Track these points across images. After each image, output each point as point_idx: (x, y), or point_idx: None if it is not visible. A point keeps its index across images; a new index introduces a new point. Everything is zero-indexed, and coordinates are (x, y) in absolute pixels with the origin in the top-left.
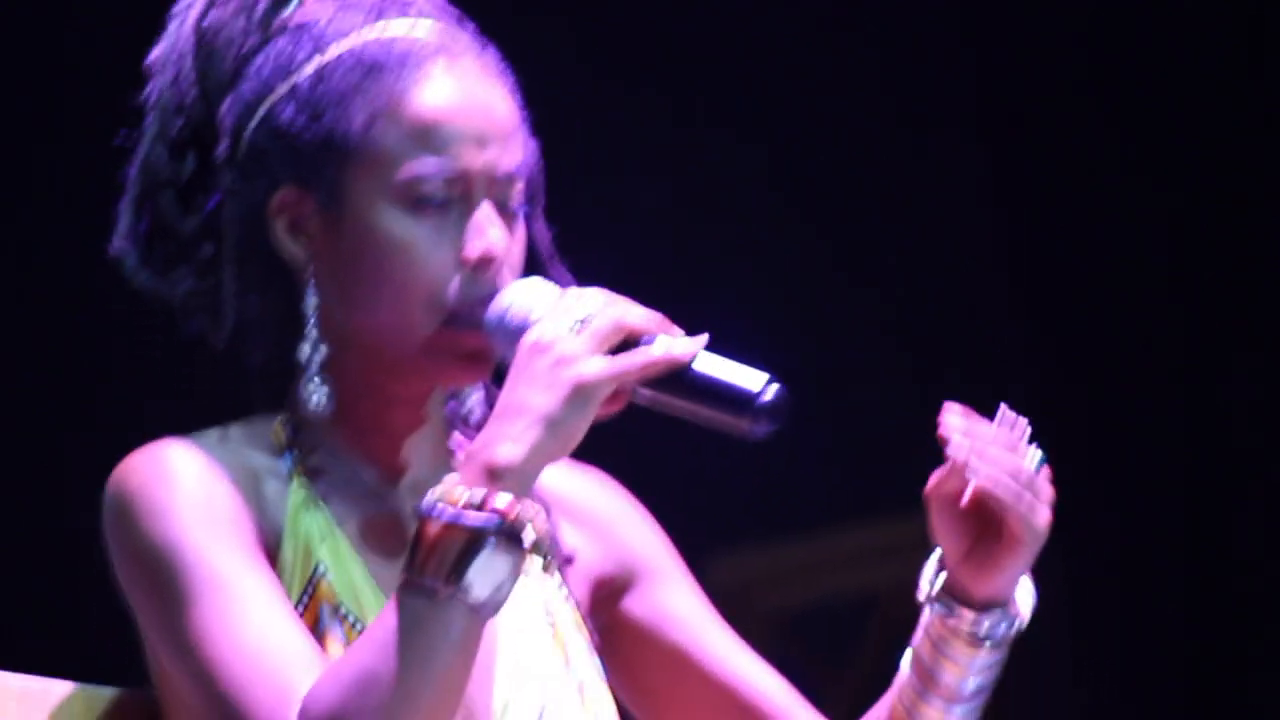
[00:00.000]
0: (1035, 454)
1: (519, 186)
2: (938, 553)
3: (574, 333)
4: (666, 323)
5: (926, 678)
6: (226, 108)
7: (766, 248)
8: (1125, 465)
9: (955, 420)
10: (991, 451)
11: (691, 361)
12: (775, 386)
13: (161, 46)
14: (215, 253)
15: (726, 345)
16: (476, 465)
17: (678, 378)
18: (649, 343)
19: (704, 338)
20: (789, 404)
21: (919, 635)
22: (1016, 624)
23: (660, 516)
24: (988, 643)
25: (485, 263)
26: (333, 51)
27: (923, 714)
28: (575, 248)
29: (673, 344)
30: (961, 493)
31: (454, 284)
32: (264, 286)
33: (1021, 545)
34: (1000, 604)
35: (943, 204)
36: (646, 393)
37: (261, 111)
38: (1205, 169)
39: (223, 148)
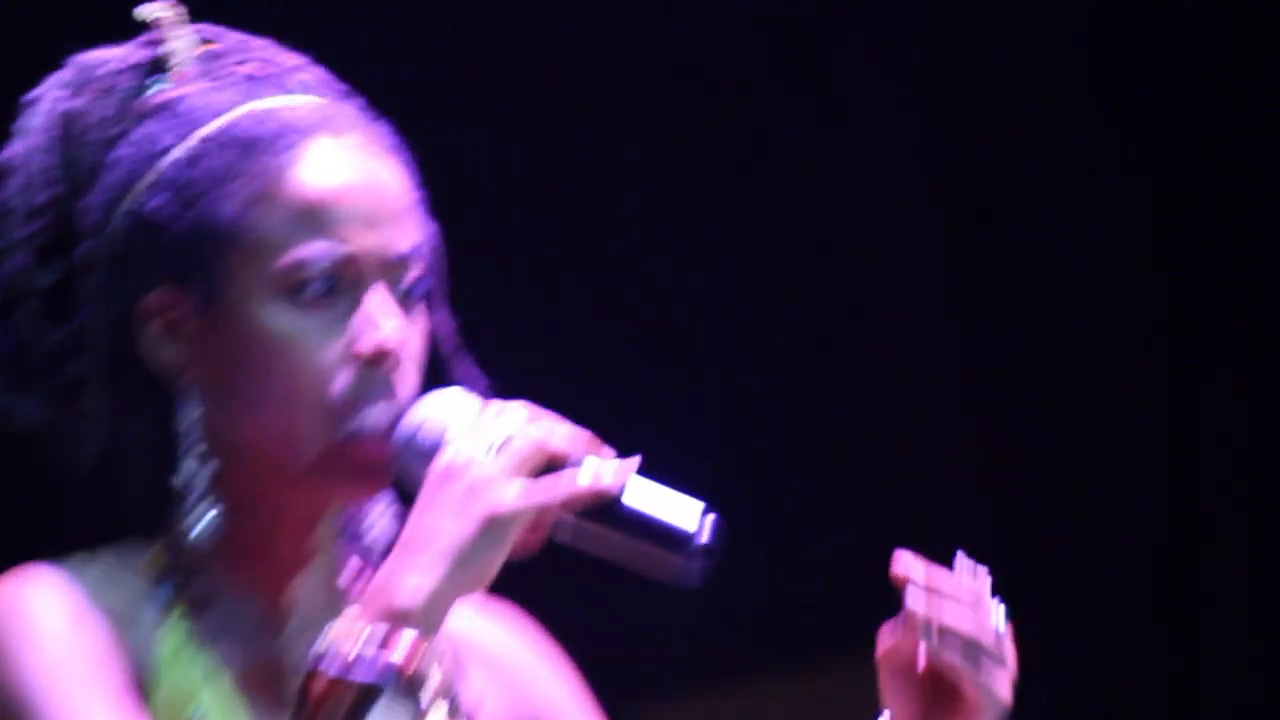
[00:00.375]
0: (998, 610)
1: (417, 270)
2: (886, 715)
3: (491, 456)
4: (595, 443)
5: None
6: (90, 203)
7: (702, 357)
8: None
9: (912, 569)
10: (950, 609)
11: (620, 493)
12: (710, 520)
13: (18, 142)
14: (82, 371)
15: (657, 464)
16: (376, 605)
17: (605, 508)
18: (576, 466)
19: (635, 461)
20: (724, 538)
21: None
22: None
23: (577, 661)
24: None
25: (380, 356)
26: (203, 132)
27: None
28: (487, 349)
29: (601, 470)
30: (915, 654)
31: (343, 382)
32: (138, 402)
33: (981, 716)
34: None
35: (896, 309)
36: (570, 522)
37: (127, 204)
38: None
39: (85, 248)
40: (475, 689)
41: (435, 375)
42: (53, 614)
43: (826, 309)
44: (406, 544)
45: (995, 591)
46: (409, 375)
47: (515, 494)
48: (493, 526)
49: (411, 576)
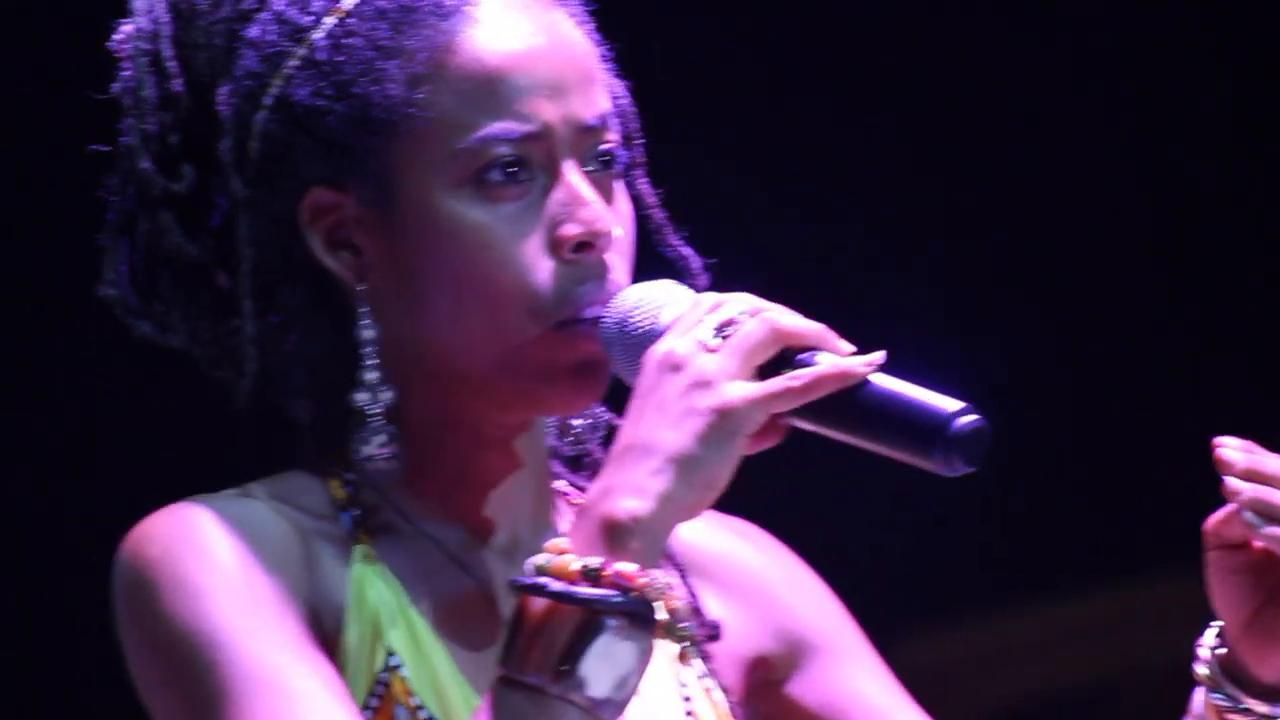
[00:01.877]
0: None
1: (612, 140)
2: (1216, 625)
3: (714, 346)
4: (831, 336)
5: None
6: (224, 94)
7: (945, 242)
8: None
9: (1234, 453)
10: (1277, 491)
11: (865, 384)
12: (973, 416)
13: (130, 24)
14: (233, 283)
15: (904, 370)
16: (591, 523)
17: (848, 404)
18: (809, 361)
19: (879, 356)
20: (988, 438)
21: None
22: None
23: (833, 582)
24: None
25: (587, 243)
26: (348, 2)
27: None
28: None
29: (843, 360)
30: (1244, 544)
31: (550, 275)
32: (302, 320)
33: None
34: None
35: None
36: (807, 425)
37: (272, 93)
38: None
39: (226, 147)
40: (714, 613)
41: (644, 259)
42: (226, 542)
43: None
44: (626, 448)
45: None
46: (620, 259)
47: (746, 390)
48: (720, 428)
49: (634, 485)
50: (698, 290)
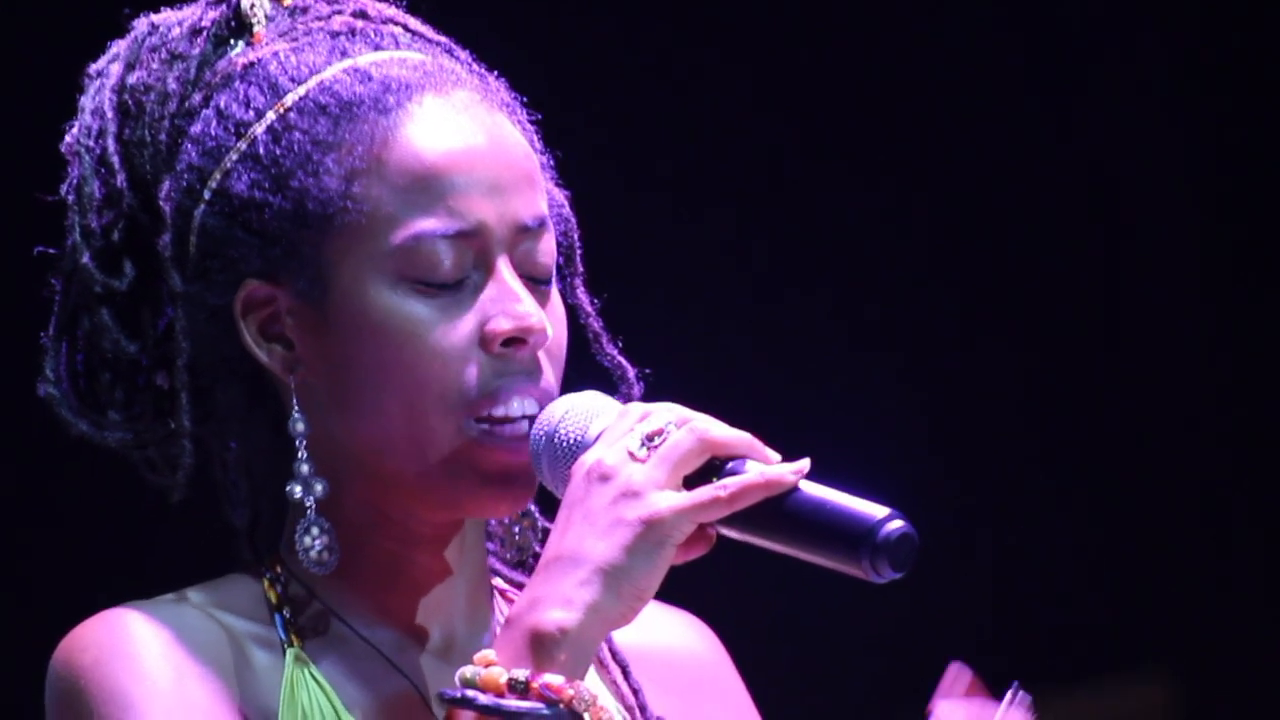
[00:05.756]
0: None
1: (548, 243)
2: None
3: (642, 456)
4: (759, 445)
5: None
6: (166, 189)
7: (869, 352)
8: None
9: (949, 711)
10: None
11: (792, 492)
12: (899, 522)
13: (80, 122)
14: (171, 382)
15: (832, 475)
16: (519, 634)
17: (775, 513)
18: (738, 470)
19: (804, 464)
20: (915, 544)
21: None
22: None
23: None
24: None
25: (518, 339)
26: (291, 99)
27: None
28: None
29: (771, 469)
30: None
31: (475, 368)
32: (237, 414)
33: None
34: None
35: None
36: (735, 533)
37: (211, 186)
38: None
39: (165, 242)
40: (657, 708)
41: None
42: (157, 650)
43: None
44: (553, 559)
45: None
46: (550, 360)
47: (673, 500)
48: (648, 538)
49: (561, 596)
50: (631, 399)
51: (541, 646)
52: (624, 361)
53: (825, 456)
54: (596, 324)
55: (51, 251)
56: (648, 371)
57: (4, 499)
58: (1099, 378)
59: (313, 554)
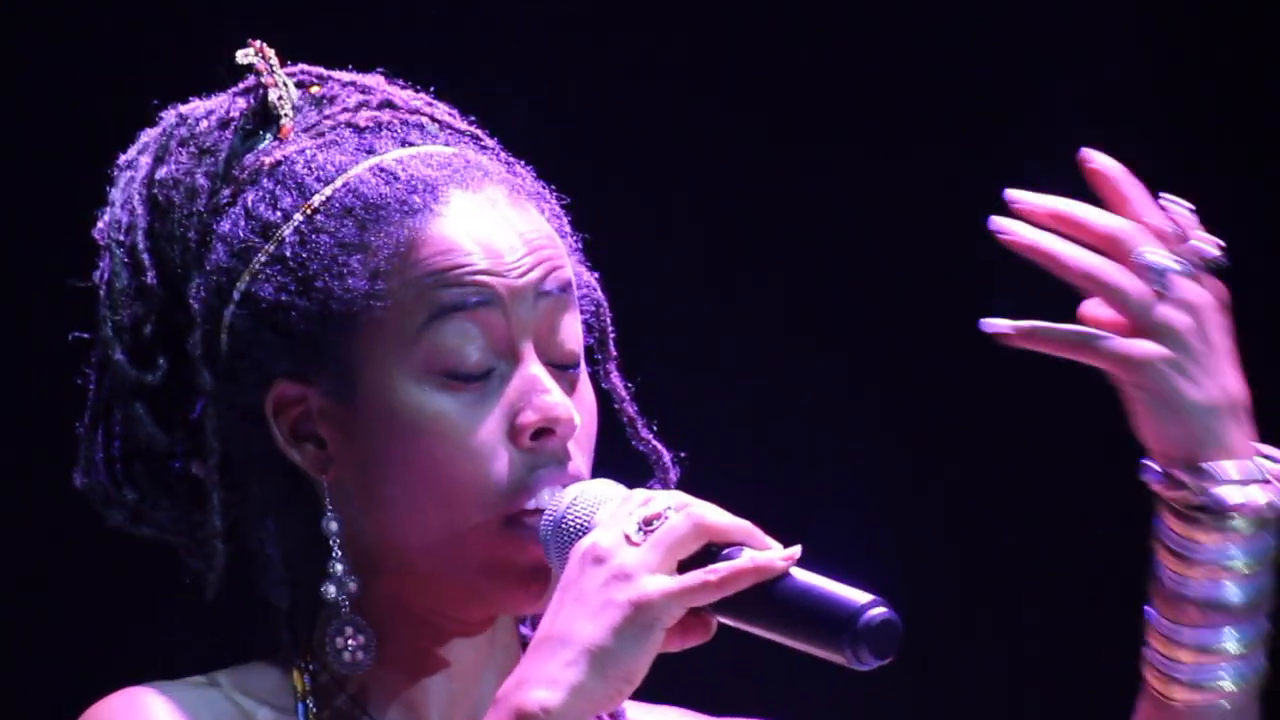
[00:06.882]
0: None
1: (573, 323)
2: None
3: (638, 540)
4: (756, 533)
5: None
6: (195, 288)
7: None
8: None
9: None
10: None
11: (782, 578)
12: (881, 609)
13: (106, 215)
14: (201, 476)
15: (824, 565)
16: (504, 713)
17: (764, 599)
18: (731, 556)
19: (795, 550)
20: (898, 631)
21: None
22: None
23: None
24: (1206, 516)
25: (547, 429)
26: (317, 200)
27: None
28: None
29: (761, 555)
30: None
31: (506, 463)
32: (267, 511)
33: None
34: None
35: None
36: (729, 620)
37: (240, 288)
38: None
39: (195, 340)
40: None
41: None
42: None
43: None
44: (543, 639)
45: None
46: (579, 449)
47: (662, 584)
48: (638, 618)
49: (547, 676)
50: (667, 485)
51: None
52: (659, 446)
53: (858, 540)
54: (631, 409)
55: (85, 337)
56: (683, 455)
57: (43, 576)
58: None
59: (345, 655)
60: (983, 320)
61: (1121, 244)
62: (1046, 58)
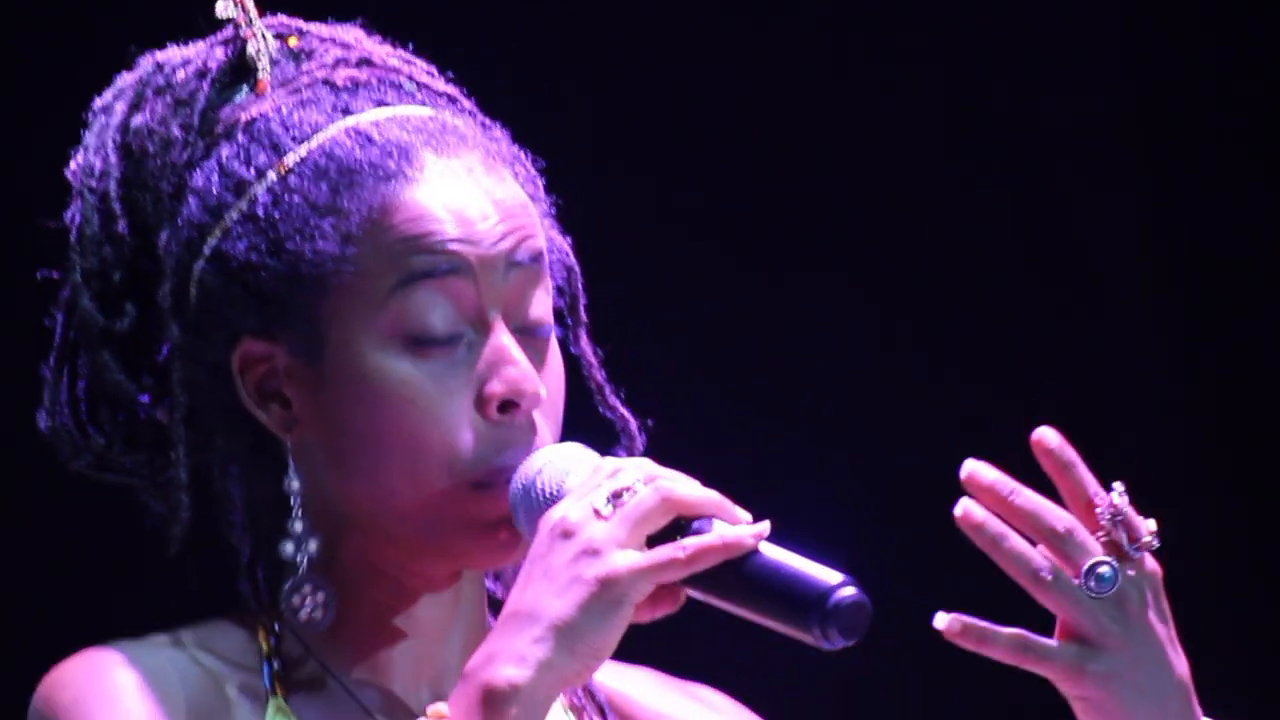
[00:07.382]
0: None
1: (543, 290)
2: None
3: (606, 513)
4: (727, 505)
5: None
6: (165, 239)
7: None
8: None
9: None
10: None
11: (752, 554)
12: (851, 590)
13: (79, 159)
14: (166, 427)
15: (795, 538)
16: (471, 690)
17: (734, 575)
18: (704, 529)
19: (765, 526)
20: (868, 612)
21: None
22: None
23: None
24: None
25: (512, 402)
26: (291, 160)
27: None
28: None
29: (730, 531)
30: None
31: (472, 435)
32: (231, 465)
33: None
34: None
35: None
36: (697, 594)
37: (210, 244)
38: None
39: (165, 292)
40: None
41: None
42: (135, 691)
43: None
44: (511, 615)
45: None
46: (546, 420)
47: (630, 559)
48: (603, 597)
49: (515, 652)
50: (634, 452)
51: (493, 702)
52: (627, 414)
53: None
54: (599, 376)
55: (55, 276)
56: (649, 423)
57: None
58: None
59: (302, 613)
60: (935, 615)
61: (1064, 540)
62: (1045, 59)
